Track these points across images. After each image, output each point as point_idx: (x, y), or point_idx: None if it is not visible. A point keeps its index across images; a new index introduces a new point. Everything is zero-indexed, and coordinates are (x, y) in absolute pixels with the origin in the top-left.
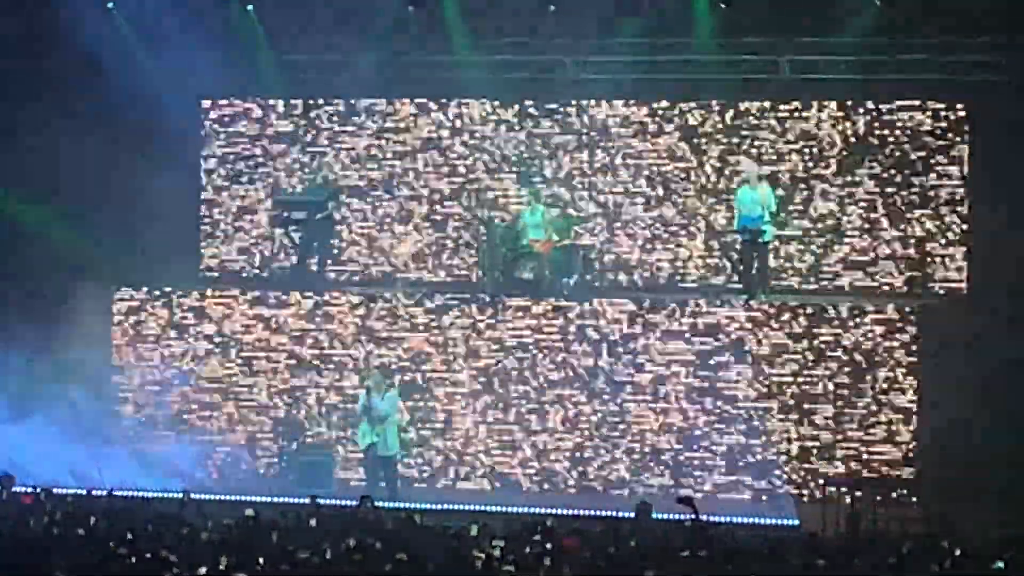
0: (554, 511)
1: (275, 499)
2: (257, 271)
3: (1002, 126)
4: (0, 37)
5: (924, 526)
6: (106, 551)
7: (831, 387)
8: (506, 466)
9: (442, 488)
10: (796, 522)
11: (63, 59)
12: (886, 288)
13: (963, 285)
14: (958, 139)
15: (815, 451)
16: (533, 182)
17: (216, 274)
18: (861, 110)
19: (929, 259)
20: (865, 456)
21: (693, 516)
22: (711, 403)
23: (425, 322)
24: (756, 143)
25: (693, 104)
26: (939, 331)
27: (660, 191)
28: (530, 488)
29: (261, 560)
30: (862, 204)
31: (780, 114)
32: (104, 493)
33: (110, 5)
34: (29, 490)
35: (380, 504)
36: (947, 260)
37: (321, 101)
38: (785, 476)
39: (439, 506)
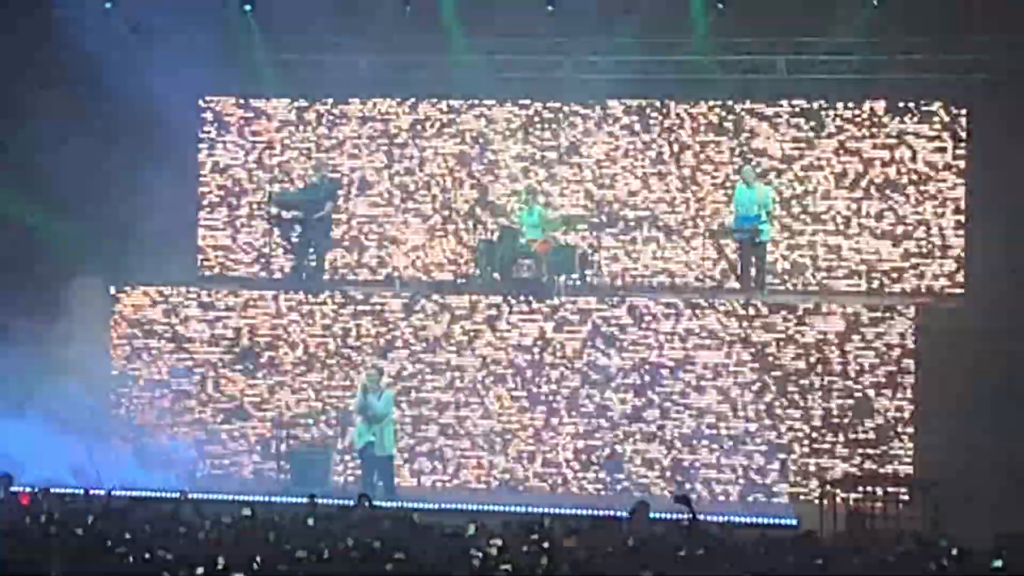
0: (551, 510)
1: (272, 498)
2: (254, 270)
3: (1000, 126)
4: None
5: (921, 525)
6: (103, 550)
7: (828, 386)
8: (504, 465)
9: (439, 487)
10: (794, 521)
11: (60, 58)
12: (883, 288)
13: (960, 285)
14: (956, 139)
15: (812, 450)
16: (531, 182)
17: (213, 273)
18: (857, 110)
19: (926, 260)
20: (862, 455)
21: (690, 515)
22: (708, 402)
23: (422, 321)
24: (753, 143)
25: (690, 104)
26: (936, 331)
27: (658, 190)
28: (527, 487)
29: (258, 559)
30: (859, 204)
31: (777, 114)
32: (102, 492)
33: (108, 4)
34: (27, 490)
35: (377, 503)
36: (944, 261)
37: (318, 100)
38: (782, 475)
39: (436, 505)
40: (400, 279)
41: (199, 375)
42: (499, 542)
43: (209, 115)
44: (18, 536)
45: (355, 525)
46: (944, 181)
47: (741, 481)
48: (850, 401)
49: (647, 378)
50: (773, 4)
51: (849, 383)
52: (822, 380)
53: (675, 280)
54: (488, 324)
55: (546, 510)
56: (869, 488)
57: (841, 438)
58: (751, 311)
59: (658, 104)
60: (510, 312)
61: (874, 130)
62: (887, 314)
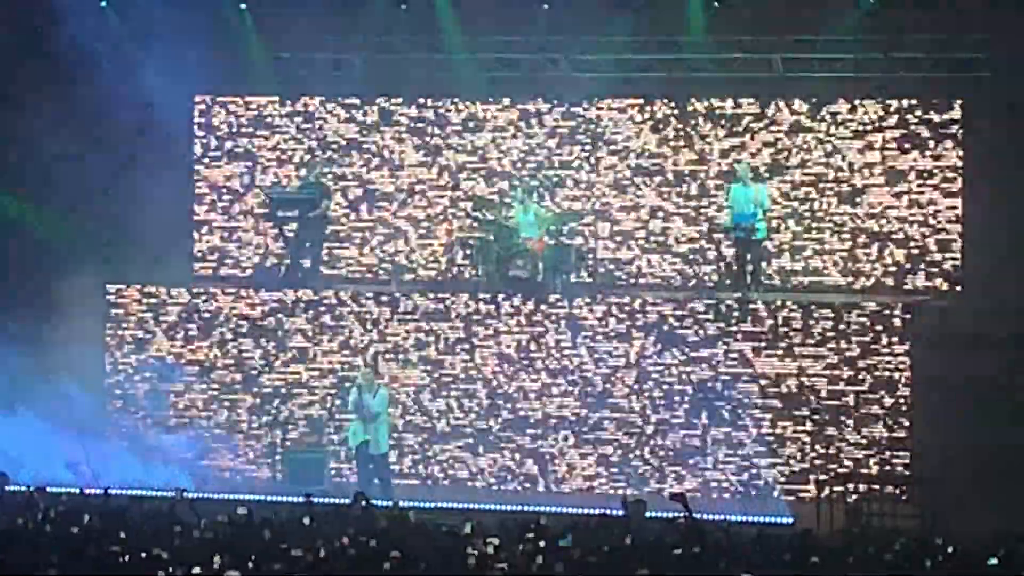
0: (547, 509)
1: (268, 497)
2: (250, 268)
3: (995, 123)
4: None
5: (918, 523)
6: (99, 549)
7: (825, 384)
8: (501, 464)
9: (435, 486)
10: (790, 519)
11: (56, 56)
12: (880, 285)
13: (957, 282)
14: (951, 136)
15: (809, 448)
16: (526, 180)
17: (209, 271)
18: (853, 107)
19: (922, 256)
20: (859, 453)
21: (686, 514)
22: (704, 400)
23: (419, 320)
24: (749, 141)
25: (686, 102)
26: (933, 328)
27: (654, 189)
28: (524, 486)
29: (254, 558)
30: (855, 201)
31: (773, 112)
32: (98, 492)
33: (103, 3)
34: (23, 489)
35: (374, 502)
36: (941, 257)
37: (313, 98)
38: (779, 473)
39: (432, 504)
40: (395, 278)
41: (195, 373)
42: (495, 541)
43: (204, 113)
44: (14, 535)
45: (351, 524)
46: (940, 179)
47: (737, 479)
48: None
49: (642, 375)
50: (769, 2)
51: (845, 379)
52: (818, 377)
53: (671, 278)
54: (484, 322)
55: (542, 509)
56: (865, 486)
57: (837, 436)
58: (747, 309)
59: (654, 102)
60: (506, 310)
61: (870, 128)
62: (883, 312)
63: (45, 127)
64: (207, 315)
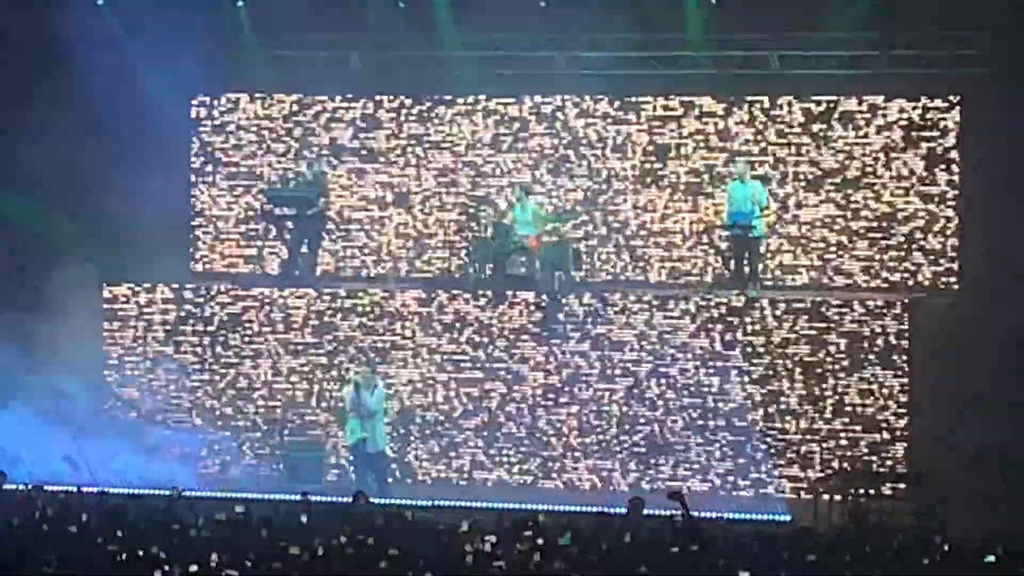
0: (545, 507)
1: (266, 495)
2: (247, 267)
3: (993, 120)
4: None
5: (915, 520)
6: (97, 548)
7: (822, 381)
8: (499, 462)
9: (434, 484)
10: (788, 517)
11: (52, 56)
12: (877, 282)
13: (954, 279)
14: (948, 133)
15: (806, 446)
16: (523, 178)
17: (206, 270)
18: (850, 105)
19: (920, 253)
20: (857, 451)
21: (684, 512)
22: (702, 398)
23: (416, 318)
24: (746, 138)
25: (683, 99)
26: (930, 325)
27: (651, 186)
28: (522, 484)
29: (252, 557)
30: (853, 199)
31: (770, 109)
32: (95, 490)
33: (99, 2)
34: (21, 487)
35: (371, 500)
36: (938, 254)
37: (310, 97)
38: (776, 471)
39: (430, 502)
40: (393, 276)
41: (192, 371)
42: (493, 539)
43: (201, 111)
44: (11, 534)
45: (349, 522)
46: (938, 175)
47: (735, 477)
48: (843, 396)
49: (640, 373)
50: (766, 0)
51: (842, 377)
52: (816, 374)
53: (669, 276)
54: (481, 320)
55: (540, 507)
56: (862, 484)
57: (835, 434)
58: (744, 306)
59: (651, 100)
60: (503, 308)
61: (868, 125)
62: (880, 308)
63: (42, 127)
64: (204, 313)
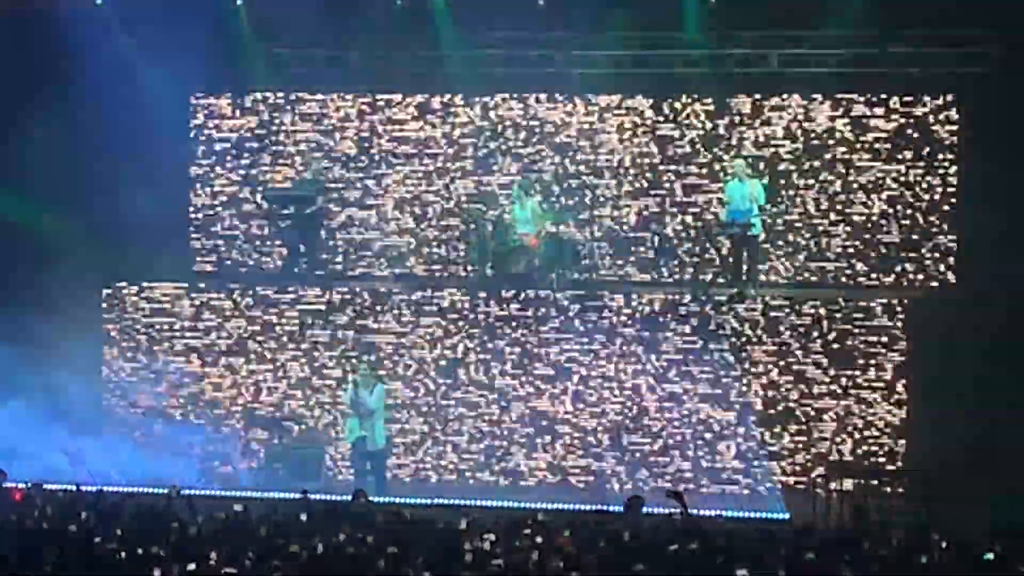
0: (544, 505)
1: (265, 494)
2: (246, 266)
3: (992, 118)
4: None
5: (914, 518)
6: (95, 547)
7: (821, 380)
8: (497, 460)
9: (432, 482)
10: (786, 516)
11: (52, 55)
12: (877, 281)
13: (954, 278)
14: (948, 132)
15: (805, 444)
16: (522, 176)
17: (206, 269)
18: (850, 103)
19: (919, 252)
20: (855, 449)
21: (683, 510)
22: (701, 397)
23: (415, 316)
24: (745, 137)
25: (682, 98)
26: (930, 324)
27: (650, 185)
28: (521, 482)
29: (251, 555)
30: (852, 197)
31: (769, 108)
32: (94, 489)
33: (99, 1)
34: (20, 486)
35: (371, 499)
36: (937, 253)
37: (310, 96)
38: (775, 470)
39: (429, 500)
40: (392, 274)
41: (191, 370)
42: (492, 537)
43: (201, 110)
44: (10, 532)
45: (348, 520)
46: (937, 173)
47: (733, 475)
48: (842, 394)
49: (638, 371)
50: None
51: (841, 375)
52: (814, 373)
53: (668, 274)
54: (480, 318)
55: (539, 505)
56: (862, 481)
57: (834, 431)
58: (743, 304)
59: (650, 98)
60: (502, 306)
61: (867, 122)
62: (880, 306)
63: (42, 127)
64: (203, 311)
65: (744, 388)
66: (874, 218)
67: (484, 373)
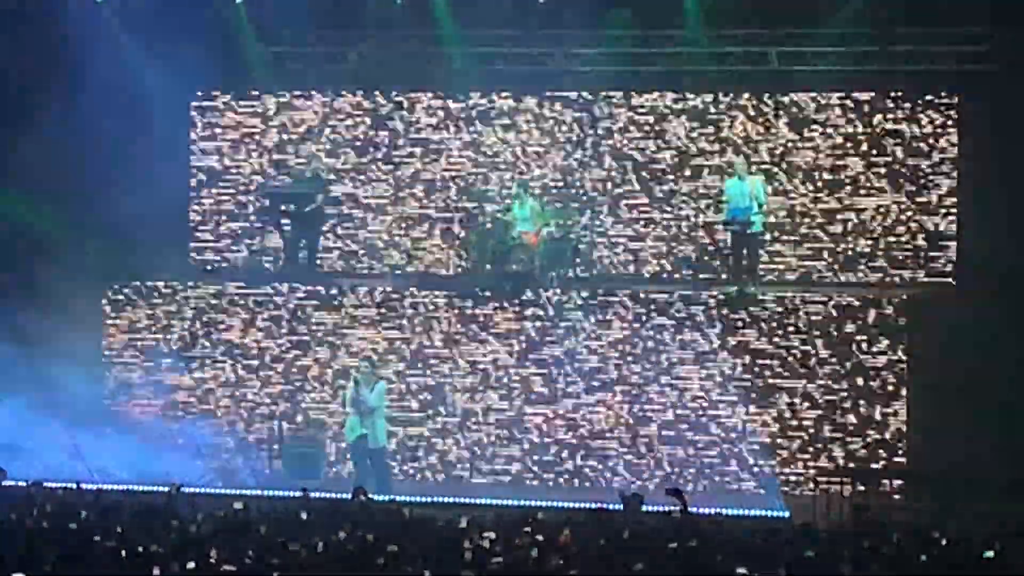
0: (544, 503)
1: (265, 492)
2: (246, 263)
3: (991, 116)
4: None
5: (914, 516)
6: (95, 545)
7: (821, 378)
8: (497, 458)
9: (433, 480)
10: (786, 514)
11: (52, 54)
12: (876, 279)
13: (954, 276)
14: (947, 129)
15: (805, 442)
16: (522, 175)
17: (206, 267)
18: (850, 101)
19: (919, 249)
20: (855, 447)
21: (682, 508)
22: (700, 395)
23: (415, 314)
24: (745, 134)
25: (682, 95)
26: (929, 322)
27: (650, 182)
28: (521, 480)
29: (251, 553)
30: (852, 195)
31: (769, 105)
32: (94, 487)
33: (99, 0)
34: (21, 484)
35: (371, 497)
36: (937, 251)
37: (309, 94)
38: (775, 468)
39: (429, 498)
40: (391, 272)
41: (191, 367)
42: (491, 535)
43: (200, 109)
44: (10, 530)
45: (348, 519)
46: (936, 171)
47: (733, 473)
48: (842, 392)
49: (638, 370)
50: None
51: (841, 373)
52: (814, 370)
53: (668, 272)
54: (480, 317)
55: (538, 503)
56: (861, 480)
57: (834, 430)
58: (743, 302)
59: (650, 95)
60: (502, 304)
61: (866, 120)
62: (879, 304)
63: (42, 125)
64: (203, 309)
65: (743, 386)
66: (874, 216)
67: (484, 371)
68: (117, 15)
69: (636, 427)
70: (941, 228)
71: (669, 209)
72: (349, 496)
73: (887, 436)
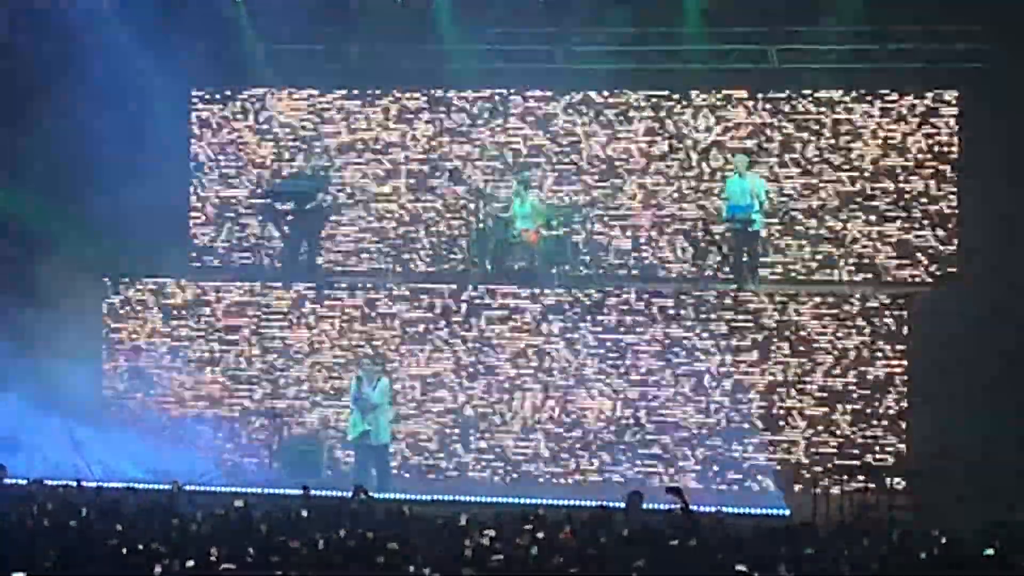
0: (544, 501)
1: (265, 490)
2: (247, 261)
3: (991, 114)
4: None
5: (914, 515)
6: (96, 543)
7: (821, 376)
8: (498, 457)
9: (433, 478)
10: (786, 512)
11: (53, 50)
12: (876, 277)
13: (954, 273)
14: (946, 127)
15: (805, 441)
16: (522, 172)
17: (206, 264)
18: (849, 99)
19: (919, 247)
20: (855, 446)
21: (683, 506)
22: (701, 393)
23: (416, 312)
24: (745, 132)
25: (682, 93)
26: (929, 319)
27: (650, 181)
28: (521, 478)
29: (251, 551)
30: (851, 192)
31: (768, 103)
32: (94, 485)
33: None
34: (22, 482)
35: (372, 495)
36: (937, 248)
37: (309, 91)
38: (775, 466)
39: (429, 496)
40: (392, 270)
41: (191, 364)
42: (492, 533)
43: (200, 106)
44: (10, 528)
45: (349, 516)
46: (936, 169)
47: (733, 472)
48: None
49: (639, 368)
50: None
51: (841, 371)
52: (814, 369)
53: (667, 270)
54: (480, 315)
55: (539, 501)
56: (862, 478)
57: (834, 428)
58: (743, 300)
59: (650, 94)
60: (502, 303)
61: (866, 118)
62: (880, 303)
63: (42, 122)
64: (203, 306)
65: (744, 384)
66: (873, 215)
67: (485, 369)
68: (116, 12)
69: (636, 424)
70: (942, 225)
71: (669, 206)
72: (349, 494)
73: (887, 435)
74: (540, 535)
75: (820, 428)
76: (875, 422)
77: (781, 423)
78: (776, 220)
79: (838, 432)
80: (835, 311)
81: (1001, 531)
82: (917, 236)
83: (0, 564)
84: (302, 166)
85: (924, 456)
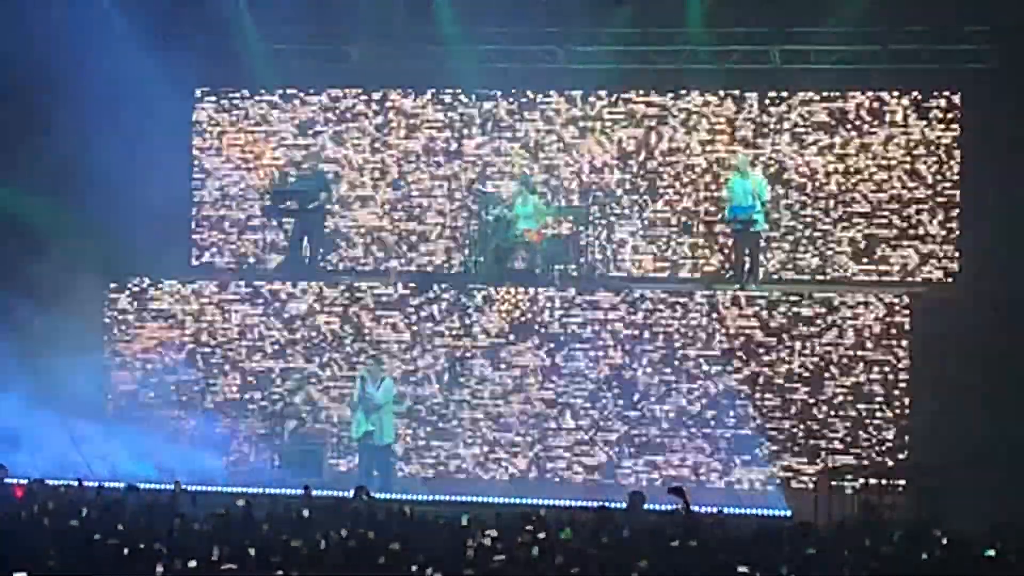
0: (546, 501)
1: (267, 490)
2: (249, 261)
3: (993, 115)
4: None
5: (915, 514)
6: (98, 542)
7: (822, 376)
8: (498, 457)
9: (434, 479)
10: (788, 512)
11: (54, 50)
12: (877, 277)
13: (955, 274)
14: (948, 127)
15: (806, 441)
16: (525, 172)
17: (208, 264)
18: (851, 100)
19: (920, 248)
20: (856, 446)
21: (684, 507)
22: (702, 393)
23: (418, 311)
24: (747, 133)
25: (684, 93)
26: (930, 320)
27: (651, 180)
28: (523, 479)
29: (253, 551)
30: (853, 193)
31: (771, 104)
32: (95, 484)
33: None
34: (22, 482)
35: (375, 495)
36: (938, 249)
37: (312, 91)
38: (776, 466)
39: (431, 496)
40: (394, 270)
41: (193, 364)
42: (494, 533)
43: (202, 105)
44: (11, 528)
45: (350, 516)
46: (937, 170)
47: (735, 471)
48: (843, 390)
49: (639, 367)
50: None
51: (842, 371)
52: (815, 369)
53: (669, 270)
54: (482, 314)
55: (541, 501)
56: (863, 478)
57: (835, 428)
58: (745, 300)
59: (652, 94)
60: (504, 302)
61: (868, 119)
62: (880, 302)
63: (44, 122)
64: (204, 306)
65: (745, 384)
66: (874, 215)
67: (486, 369)
68: (118, 12)
69: (638, 425)
70: (944, 226)
71: (671, 207)
72: (351, 494)
73: (888, 435)
74: (541, 536)
75: (821, 428)
76: (876, 422)
77: (782, 423)
78: (776, 220)
79: (839, 432)
80: (836, 312)
81: (1002, 531)
82: (918, 236)
83: (0, 564)
84: (304, 166)
85: (925, 456)
